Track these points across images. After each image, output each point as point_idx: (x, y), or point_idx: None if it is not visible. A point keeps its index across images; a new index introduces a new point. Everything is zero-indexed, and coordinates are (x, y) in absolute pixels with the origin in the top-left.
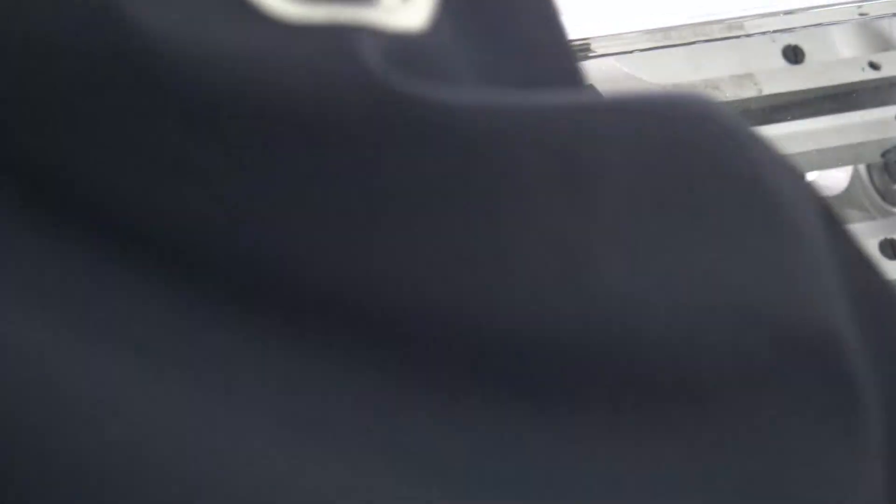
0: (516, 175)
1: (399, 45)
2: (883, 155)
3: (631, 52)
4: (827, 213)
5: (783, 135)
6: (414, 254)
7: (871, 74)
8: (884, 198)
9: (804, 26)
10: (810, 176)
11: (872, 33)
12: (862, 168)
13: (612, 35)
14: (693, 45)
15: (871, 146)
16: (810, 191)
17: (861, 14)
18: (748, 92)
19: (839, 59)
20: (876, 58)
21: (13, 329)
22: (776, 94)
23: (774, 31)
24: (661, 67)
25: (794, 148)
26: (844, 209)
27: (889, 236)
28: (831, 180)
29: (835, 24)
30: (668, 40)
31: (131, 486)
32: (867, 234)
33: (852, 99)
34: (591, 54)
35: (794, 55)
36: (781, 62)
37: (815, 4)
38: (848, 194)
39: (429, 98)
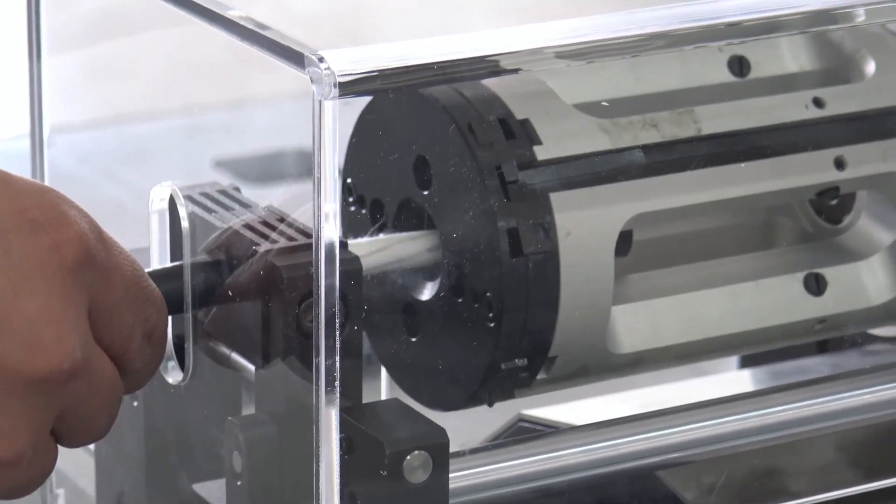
0: None
1: None
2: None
3: (565, 66)
4: None
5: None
6: None
7: (815, 113)
8: None
9: (748, 39)
10: None
11: (823, 43)
12: None
13: (534, 49)
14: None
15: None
16: None
17: (805, 30)
18: (687, 131)
19: (783, 96)
20: (821, 93)
21: None
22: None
23: (723, 43)
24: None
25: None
26: None
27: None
28: None
29: (783, 36)
30: (595, 54)
31: None
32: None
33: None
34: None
35: (739, 67)
36: (727, 74)
37: (762, 15)
38: None
39: None
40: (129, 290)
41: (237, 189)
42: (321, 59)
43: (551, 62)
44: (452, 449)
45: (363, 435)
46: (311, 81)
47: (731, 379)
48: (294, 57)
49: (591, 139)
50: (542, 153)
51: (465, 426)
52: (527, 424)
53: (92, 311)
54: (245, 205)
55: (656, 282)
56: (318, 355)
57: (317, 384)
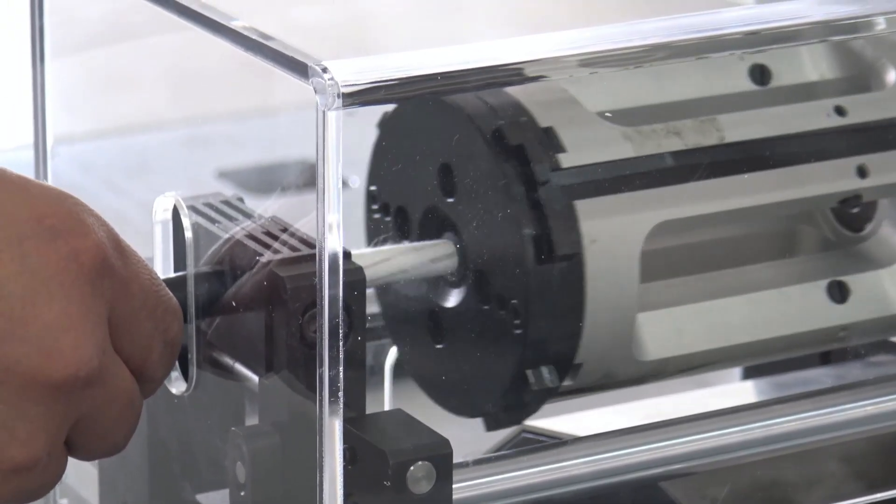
0: None
1: None
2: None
3: (585, 74)
4: None
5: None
6: None
7: (837, 121)
8: None
9: (771, 47)
10: None
11: (843, 51)
12: None
13: (555, 57)
14: (653, 66)
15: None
16: None
17: (825, 39)
18: (710, 139)
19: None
20: (842, 101)
21: None
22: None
23: (743, 51)
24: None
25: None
26: None
27: None
28: None
29: (803, 45)
30: (614, 62)
31: None
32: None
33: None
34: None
35: (760, 76)
36: (748, 82)
37: (782, 24)
38: None
39: None
40: (148, 299)
41: (241, 199)
42: (325, 70)
43: (557, 72)
44: (456, 460)
45: (367, 445)
46: (315, 92)
47: (735, 390)
48: (297, 67)
49: (614, 147)
50: (566, 161)
51: (469, 437)
52: (530, 435)
53: (111, 320)
54: (249, 215)
55: (680, 289)
56: (321, 366)
57: (320, 394)
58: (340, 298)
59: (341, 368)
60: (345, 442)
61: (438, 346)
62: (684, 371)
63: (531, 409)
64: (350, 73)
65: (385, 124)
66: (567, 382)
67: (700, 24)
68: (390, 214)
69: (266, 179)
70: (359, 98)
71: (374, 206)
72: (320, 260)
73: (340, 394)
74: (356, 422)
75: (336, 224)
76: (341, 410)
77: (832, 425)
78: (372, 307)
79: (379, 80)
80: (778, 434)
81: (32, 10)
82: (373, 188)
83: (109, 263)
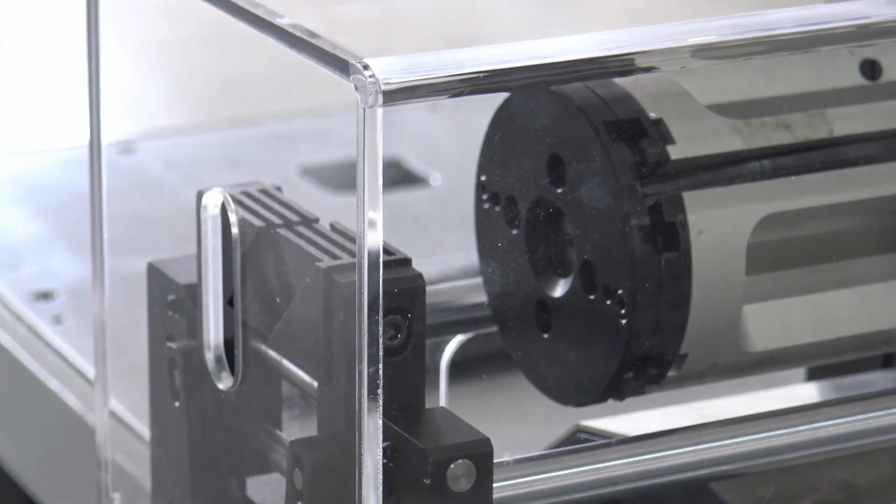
0: None
1: None
2: None
3: (687, 66)
4: None
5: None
6: None
7: None
8: None
9: (882, 41)
10: None
11: None
12: None
13: (668, 49)
14: (763, 59)
15: None
16: None
17: None
18: (819, 132)
19: None
20: None
21: None
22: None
23: (853, 45)
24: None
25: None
26: None
27: None
28: None
29: None
30: (724, 55)
31: None
32: None
33: None
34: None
35: (871, 70)
36: (858, 77)
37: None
38: None
39: None
40: None
41: (279, 189)
42: (366, 67)
43: (591, 72)
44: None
45: (407, 443)
46: (356, 89)
47: (792, 394)
48: (339, 65)
49: (723, 139)
50: (675, 152)
51: (525, 435)
52: (585, 435)
53: None
54: (290, 206)
55: (786, 282)
56: (360, 362)
57: (360, 391)
58: (380, 295)
59: (381, 366)
60: (385, 439)
61: (545, 336)
62: (789, 363)
63: (634, 395)
64: (392, 70)
65: (495, 115)
66: (672, 373)
67: (811, 17)
68: (500, 204)
69: (348, 176)
70: (401, 96)
71: (484, 196)
72: (360, 257)
73: (380, 391)
74: (398, 419)
75: (378, 221)
76: (380, 408)
77: (883, 428)
78: (478, 297)
79: (421, 77)
80: (829, 436)
81: (89, 12)
82: (483, 178)
83: None
